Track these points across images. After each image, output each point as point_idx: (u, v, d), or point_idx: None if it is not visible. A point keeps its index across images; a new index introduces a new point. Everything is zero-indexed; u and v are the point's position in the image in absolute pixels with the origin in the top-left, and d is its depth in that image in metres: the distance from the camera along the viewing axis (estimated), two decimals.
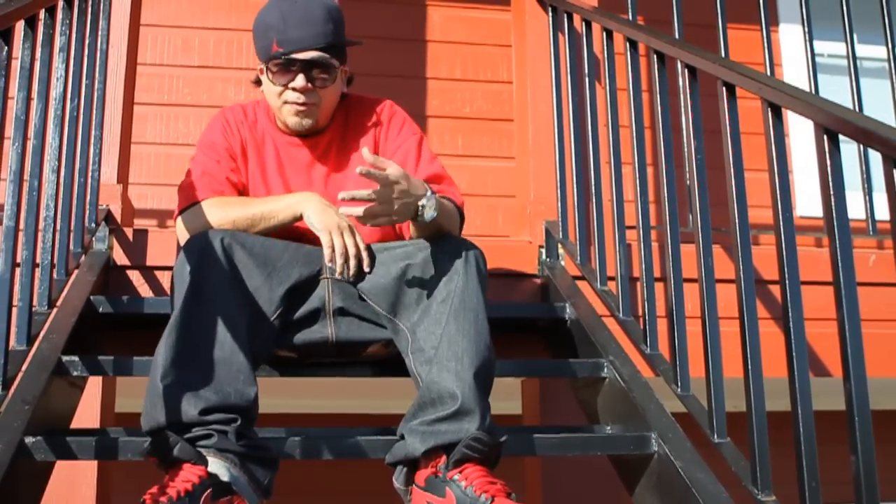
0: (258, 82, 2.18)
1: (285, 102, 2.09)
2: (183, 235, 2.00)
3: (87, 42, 2.38)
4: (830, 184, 1.57)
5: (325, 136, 2.17)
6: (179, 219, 2.03)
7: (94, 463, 2.32)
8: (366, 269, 1.92)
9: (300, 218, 1.95)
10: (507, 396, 2.79)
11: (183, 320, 1.75)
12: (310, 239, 1.97)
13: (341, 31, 2.11)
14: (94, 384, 2.33)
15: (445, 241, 1.92)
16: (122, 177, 2.77)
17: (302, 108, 2.08)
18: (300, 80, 2.05)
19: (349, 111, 2.21)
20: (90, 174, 2.51)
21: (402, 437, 1.74)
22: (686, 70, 2.06)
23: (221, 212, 1.98)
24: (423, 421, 1.70)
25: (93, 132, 2.56)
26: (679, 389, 2.02)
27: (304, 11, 2.05)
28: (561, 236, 2.69)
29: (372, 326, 1.98)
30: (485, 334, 1.80)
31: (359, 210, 1.81)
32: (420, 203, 1.85)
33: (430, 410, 1.70)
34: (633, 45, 2.35)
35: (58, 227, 2.14)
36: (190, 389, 1.67)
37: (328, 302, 1.97)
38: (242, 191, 2.12)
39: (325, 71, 2.07)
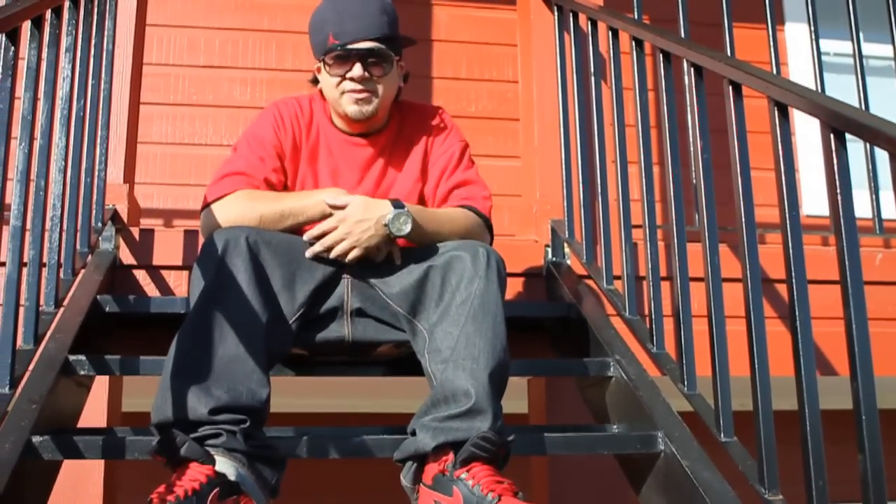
0: (315, 81, 2.19)
1: (343, 92, 2.10)
2: (207, 227, 1.99)
3: (93, 42, 2.39)
4: (837, 182, 1.56)
5: (381, 136, 2.18)
6: (206, 210, 2.02)
7: (101, 462, 2.33)
8: (397, 261, 1.97)
9: (329, 214, 1.97)
10: (514, 395, 2.78)
11: (201, 316, 1.75)
12: None
13: (396, 25, 2.14)
14: (101, 383, 2.33)
15: (468, 245, 1.92)
16: (129, 176, 2.77)
17: (360, 95, 2.09)
18: (357, 69, 2.06)
19: (404, 115, 2.24)
20: (96, 174, 2.52)
21: (413, 434, 1.74)
22: (692, 69, 2.06)
23: (249, 206, 1.98)
24: (435, 417, 1.70)
25: (99, 132, 2.56)
26: (685, 388, 2.02)
27: (360, 6, 2.09)
28: (567, 235, 2.68)
29: (388, 328, 1.99)
30: (502, 337, 1.80)
31: (330, 250, 1.94)
32: (383, 223, 1.92)
33: (443, 407, 1.71)
34: (639, 44, 2.35)
35: (64, 227, 2.14)
36: (201, 387, 1.66)
37: (346, 302, 1.98)
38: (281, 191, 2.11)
39: (381, 61, 2.09)
